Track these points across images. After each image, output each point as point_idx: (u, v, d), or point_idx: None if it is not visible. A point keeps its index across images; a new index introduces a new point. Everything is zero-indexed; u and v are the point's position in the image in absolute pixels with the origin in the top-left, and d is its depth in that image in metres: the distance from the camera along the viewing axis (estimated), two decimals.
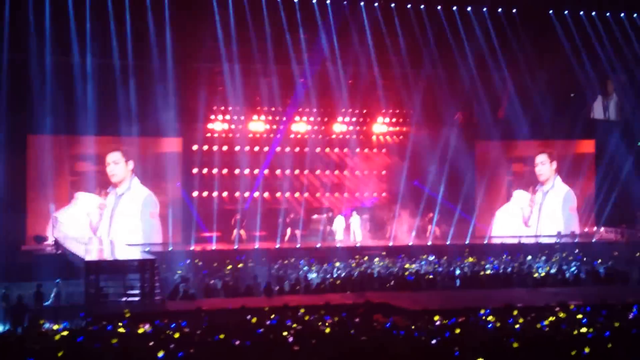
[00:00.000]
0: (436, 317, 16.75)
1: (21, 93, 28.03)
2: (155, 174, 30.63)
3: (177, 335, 14.79)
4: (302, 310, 17.94)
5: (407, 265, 26.72)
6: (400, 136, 34.62)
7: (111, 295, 21.11)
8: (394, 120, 34.55)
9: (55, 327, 17.63)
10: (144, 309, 19.90)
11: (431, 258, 27.79)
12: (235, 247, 29.60)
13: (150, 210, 30.80)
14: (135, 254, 23.71)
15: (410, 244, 30.96)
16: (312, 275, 25.31)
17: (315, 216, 33.19)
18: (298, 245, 30.21)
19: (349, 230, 31.91)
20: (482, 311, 17.47)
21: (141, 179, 30.87)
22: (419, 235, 32.22)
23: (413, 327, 15.70)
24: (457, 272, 26.00)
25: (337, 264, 26.43)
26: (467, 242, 31.45)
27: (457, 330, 15.09)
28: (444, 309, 18.39)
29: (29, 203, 29.25)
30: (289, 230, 31.55)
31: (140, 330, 15.54)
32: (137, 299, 21.03)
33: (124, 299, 20.99)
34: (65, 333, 15.33)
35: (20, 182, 28.67)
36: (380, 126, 34.59)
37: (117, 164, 30.64)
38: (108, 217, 30.39)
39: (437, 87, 32.40)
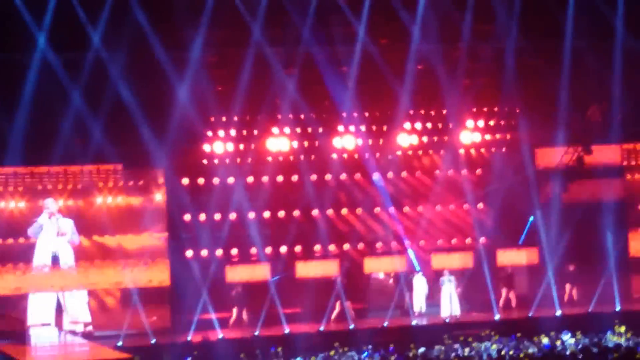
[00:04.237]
0: None
1: None
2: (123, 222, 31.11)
3: None
4: None
5: (526, 351, 26.42)
6: (503, 148, 34.88)
7: None
8: (491, 123, 34.61)
9: None
10: None
11: (566, 336, 27.76)
12: (256, 333, 29.70)
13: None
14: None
15: (529, 314, 31.31)
16: None
17: (379, 276, 33.18)
18: (351, 326, 30.34)
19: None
20: None
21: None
22: (545, 302, 32.15)
23: None
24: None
25: (419, 351, 26.14)
26: (617, 308, 31.76)
27: None
28: None
29: None
30: (338, 304, 31.54)
31: None
32: None
33: None
34: None
35: None
36: (472, 134, 34.57)
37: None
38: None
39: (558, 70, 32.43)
